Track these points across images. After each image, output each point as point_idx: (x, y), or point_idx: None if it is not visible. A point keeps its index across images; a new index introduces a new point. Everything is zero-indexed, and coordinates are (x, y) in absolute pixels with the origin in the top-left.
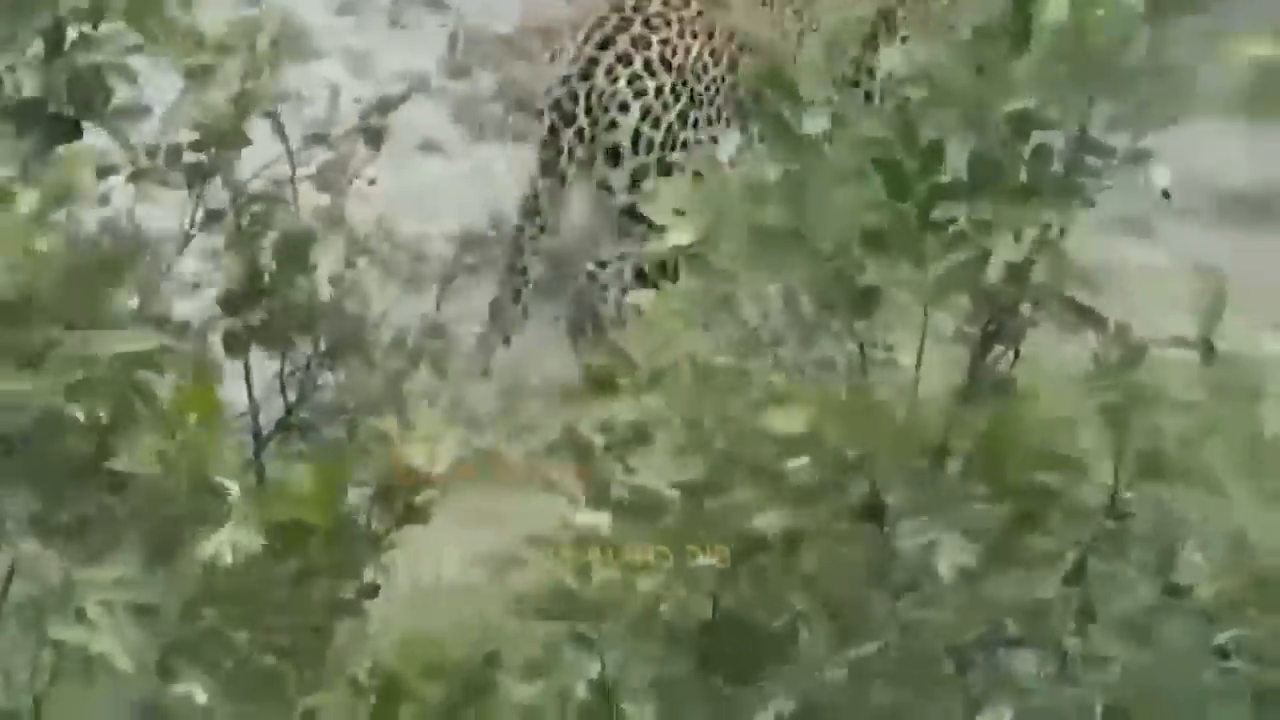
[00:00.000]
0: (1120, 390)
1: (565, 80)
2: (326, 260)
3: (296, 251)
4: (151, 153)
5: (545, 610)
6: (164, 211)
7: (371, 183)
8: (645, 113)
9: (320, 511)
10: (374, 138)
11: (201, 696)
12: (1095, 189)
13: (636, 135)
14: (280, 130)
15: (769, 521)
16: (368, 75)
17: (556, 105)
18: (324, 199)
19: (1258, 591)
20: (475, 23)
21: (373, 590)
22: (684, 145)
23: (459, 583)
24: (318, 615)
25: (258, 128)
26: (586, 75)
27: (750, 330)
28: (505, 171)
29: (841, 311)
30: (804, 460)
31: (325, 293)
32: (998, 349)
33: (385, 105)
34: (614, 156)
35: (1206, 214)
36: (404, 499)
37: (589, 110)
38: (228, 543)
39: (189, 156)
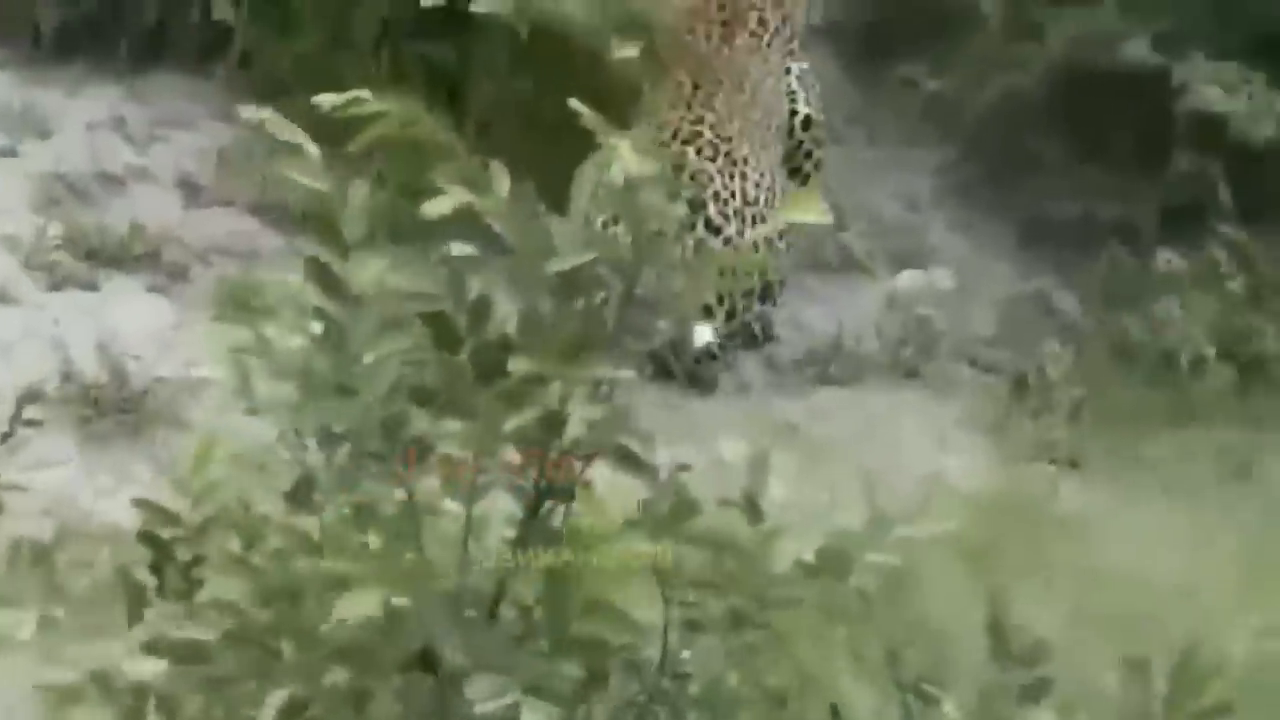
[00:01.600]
0: (669, 542)
1: None
2: None
3: None
4: None
5: None
6: None
7: None
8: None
9: None
10: None
11: None
12: (645, 344)
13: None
14: None
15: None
16: None
17: None
18: None
19: None
20: (45, 169)
21: None
22: None
23: None
24: None
25: None
26: None
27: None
28: (76, 322)
29: (390, 460)
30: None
31: None
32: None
33: None
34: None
35: None
36: None
37: None
38: None
39: None
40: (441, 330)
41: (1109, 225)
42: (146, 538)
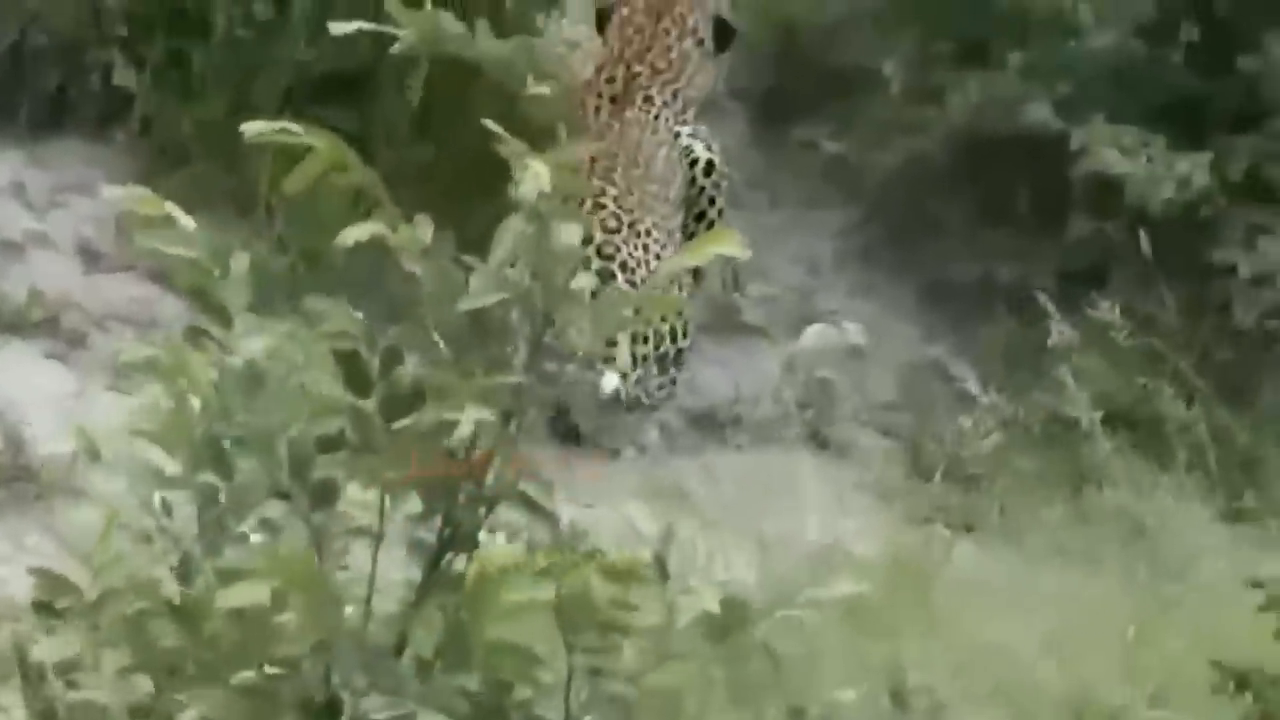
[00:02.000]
0: (564, 588)
1: None
2: None
3: None
4: None
5: None
6: None
7: None
8: (633, 337)
9: None
10: None
11: None
12: (554, 382)
13: (631, 357)
14: None
15: None
16: None
17: None
18: None
19: None
20: None
21: None
22: None
23: None
24: None
25: None
26: None
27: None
28: None
29: (299, 503)
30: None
31: None
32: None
33: None
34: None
35: None
36: None
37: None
38: None
39: None
40: (353, 373)
41: (1009, 288)
42: (42, 608)
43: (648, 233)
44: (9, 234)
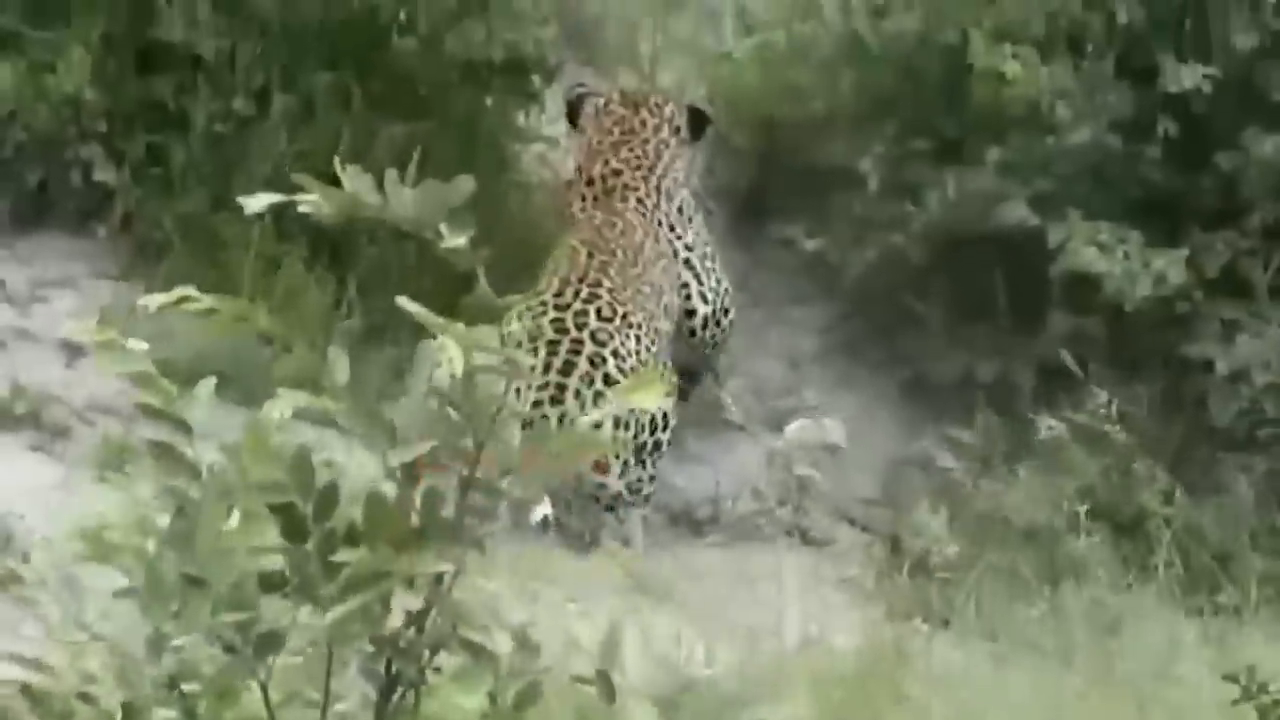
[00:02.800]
0: None
1: (537, 404)
2: None
3: None
4: None
5: None
6: None
7: None
8: (616, 422)
9: None
10: None
11: None
12: (486, 533)
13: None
14: None
15: None
16: None
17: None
18: None
19: None
20: None
21: None
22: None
23: None
24: None
25: None
26: (556, 400)
27: None
28: None
29: (244, 655)
30: None
31: None
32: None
33: None
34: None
35: None
36: None
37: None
38: None
39: None
40: (288, 521)
41: (988, 384)
42: (29, 693)
43: (639, 326)
44: None
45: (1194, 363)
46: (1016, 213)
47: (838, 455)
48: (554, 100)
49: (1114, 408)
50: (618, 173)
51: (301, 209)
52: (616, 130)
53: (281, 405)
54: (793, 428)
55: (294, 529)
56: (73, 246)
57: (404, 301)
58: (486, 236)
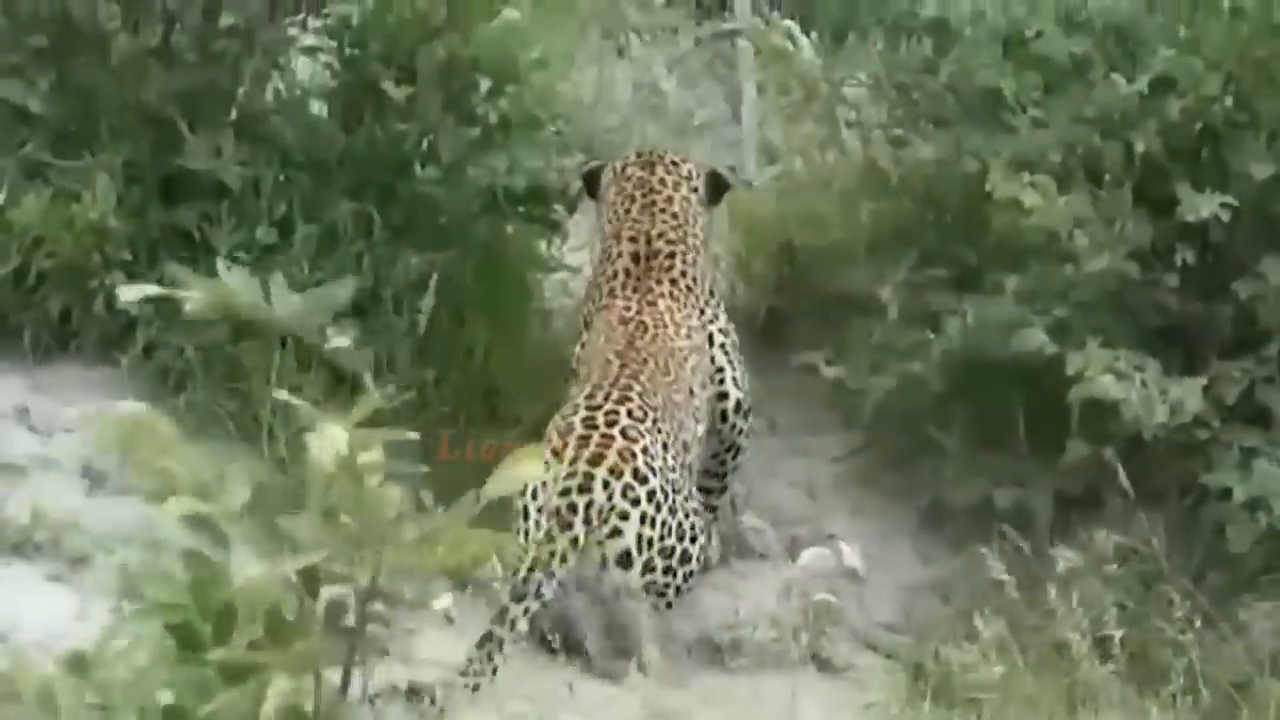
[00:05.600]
0: None
1: (564, 493)
2: None
3: None
4: None
5: None
6: None
7: None
8: (643, 518)
9: None
10: None
11: None
12: (386, 639)
13: (639, 538)
14: None
15: None
16: None
17: (555, 514)
18: None
19: None
20: None
21: None
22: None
23: None
24: None
25: None
26: (584, 489)
27: None
28: None
29: None
30: None
31: None
32: None
33: None
34: (625, 560)
35: None
36: None
37: (588, 520)
38: None
39: None
40: (186, 639)
41: (1006, 512)
42: None
43: (668, 434)
44: (12, 457)
45: (1212, 490)
46: (1035, 340)
47: (857, 581)
48: (576, 229)
49: (1132, 536)
50: (651, 238)
51: (186, 307)
52: (639, 194)
53: (174, 510)
54: (809, 554)
55: (192, 646)
56: (95, 375)
57: (283, 395)
58: (511, 363)
